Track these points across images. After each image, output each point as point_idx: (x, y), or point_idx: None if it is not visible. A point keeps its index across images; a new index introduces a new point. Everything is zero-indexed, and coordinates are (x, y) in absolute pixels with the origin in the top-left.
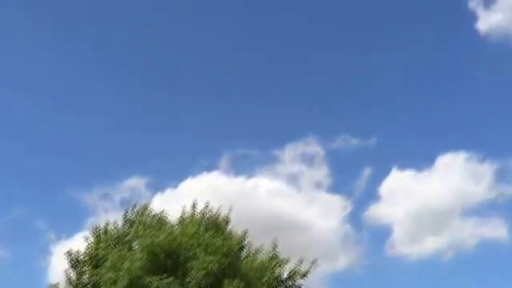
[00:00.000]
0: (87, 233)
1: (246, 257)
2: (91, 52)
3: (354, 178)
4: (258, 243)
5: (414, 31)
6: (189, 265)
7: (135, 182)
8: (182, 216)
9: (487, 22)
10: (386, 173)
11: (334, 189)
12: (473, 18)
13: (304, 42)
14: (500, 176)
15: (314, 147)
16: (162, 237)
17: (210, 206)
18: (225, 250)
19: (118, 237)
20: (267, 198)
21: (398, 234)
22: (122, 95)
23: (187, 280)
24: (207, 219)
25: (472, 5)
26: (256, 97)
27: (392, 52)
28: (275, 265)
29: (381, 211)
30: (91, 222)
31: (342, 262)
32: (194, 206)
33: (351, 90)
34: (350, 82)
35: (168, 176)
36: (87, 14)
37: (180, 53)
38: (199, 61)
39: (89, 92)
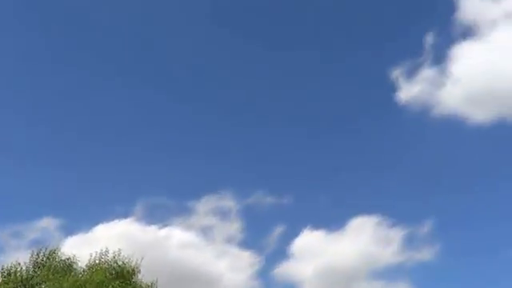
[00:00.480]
0: None
1: None
2: None
3: (266, 235)
4: None
5: (337, 97)
6: None
7: (47, 223)
8: (90, 262)
9: (408, 92)
10: (298, 232)
11: (246, 244)
12: (394, 87)
13: (227, 100)
14: (408, 241)
15: (229, 201)
16: (68, 283)
17: (120, 254)
18: None
19: (25, 279)
20: (179, 248)
21: None
22: (39, 136)
23: None
24: (117, 267)
25: (394, 75)
26: (176, 147)
27: (313, 118)
28: None
29: (291, 269)
30: None
31: None
32: (103, 253)
33: (269, 148)
34: (269, 139)
35: (81, 219)
36: None
37: (102, 104)
38: (121, 111)
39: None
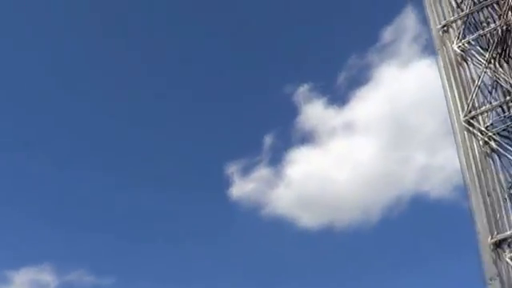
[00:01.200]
0: None
1: None
2: None
3: None
4: None
5: (169, 188)
6: None
7: None
8: None
9: (241, 189)
10: None
11: None
12: (228, 183)
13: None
14: None
15: (47, 276)
16: None
17: None
18: None
19: None
20: None
21: None
22: None
23: None
24: None
25: (230, 171)
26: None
27: (145, 204)
28: None
29: None
30: None
31: None
32: None
33: (96, 227)
34: (96, 213)
35: None
36: None
37: None
38: None
39: None
